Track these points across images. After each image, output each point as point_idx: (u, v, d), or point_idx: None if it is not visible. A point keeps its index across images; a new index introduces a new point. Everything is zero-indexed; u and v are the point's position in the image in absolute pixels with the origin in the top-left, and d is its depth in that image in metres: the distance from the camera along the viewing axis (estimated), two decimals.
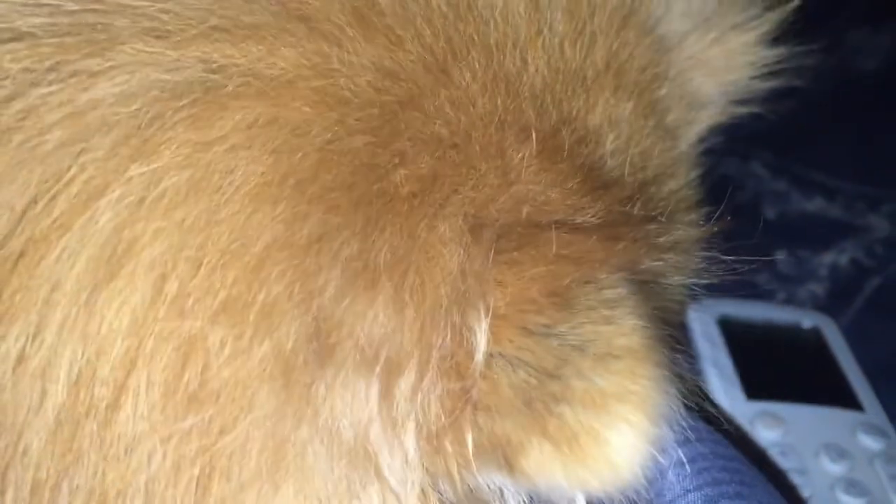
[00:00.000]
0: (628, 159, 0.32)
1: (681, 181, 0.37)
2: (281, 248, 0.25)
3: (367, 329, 0.25)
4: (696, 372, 0.58)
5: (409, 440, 0.25)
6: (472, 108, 0.28)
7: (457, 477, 0.26)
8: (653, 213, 0.32)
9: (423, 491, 0.26)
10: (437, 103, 0.28)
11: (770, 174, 0.76)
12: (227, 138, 0.25)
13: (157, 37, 0.26)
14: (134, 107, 0.25)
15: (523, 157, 0.28)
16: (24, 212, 0.25)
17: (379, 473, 0.25)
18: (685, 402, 0.37)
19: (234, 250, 0.25)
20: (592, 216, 0.28)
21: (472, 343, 0.25)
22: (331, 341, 0.25)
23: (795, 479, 0.50)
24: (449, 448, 0.26)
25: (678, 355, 0.28)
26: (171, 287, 0.25)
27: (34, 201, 0.25)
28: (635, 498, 0.35)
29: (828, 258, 0.69)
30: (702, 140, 0.40)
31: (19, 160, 0.25)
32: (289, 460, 0.25)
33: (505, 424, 0.25)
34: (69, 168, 0.25)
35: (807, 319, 0.62)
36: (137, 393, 0.25)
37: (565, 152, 0.29)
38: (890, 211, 0.73)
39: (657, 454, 0.26)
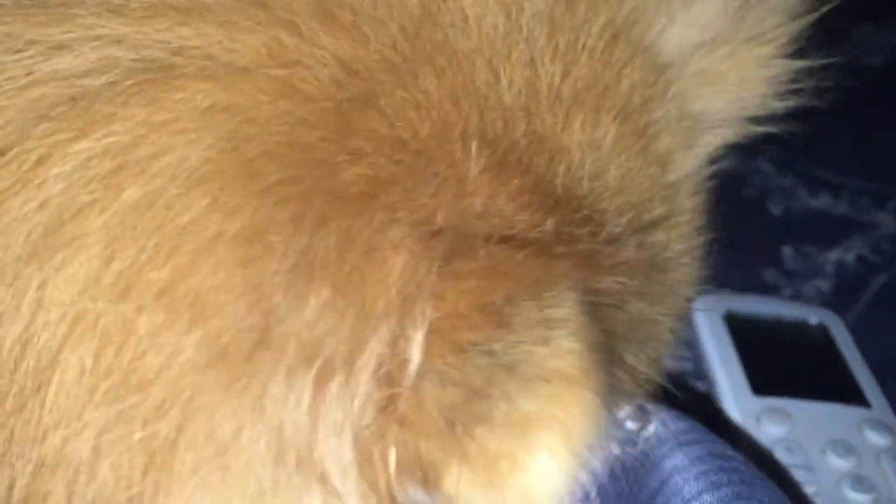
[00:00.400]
0: (605, 183, 0.31)
1: (672, 207, 0.35)
2: (224, 237, 0.24)
3: (306, 327, 0.24)
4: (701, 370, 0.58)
5: (347, 448, 0.24)
6: (436, 113, 0.27)
7: (383, 491, 0.25)
8: (614, 234, 0.30)
9: (363, 499, 0.25)
10: (398, 105, 0.27)
11: (776, 170, 0.76)
12: (179, 120, 0.25)
13: (115, 12, 0.25)
14: (85, 81, 0.25)
15: (481, 169, 0.27)
16: None
17: (321, 480, 0.24)
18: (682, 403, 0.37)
19: (176, 236, 0.24)
20: (541, 233, 0.27)
21: (406, 354, 0.24)
22: (271, 337, 0.24)
23: (801, 475, 0.50)
24: (376, 461, 0.25)
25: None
26: (111, 268, 0.24)
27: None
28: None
29: (834, 255, 0.69)
30: (712, 161, 0.38)
31: None
32: (226, 458, 0.24)
33: (428, 443, 0.24)
34: (13, 140, 0.25)
35: (813, 316, 0.62)
36: (65, 371, 0.24)
37: (523, 167, 0.28)
38: (895, 207, 0.73)
39: (577, 485, 0.25)
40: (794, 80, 0.36)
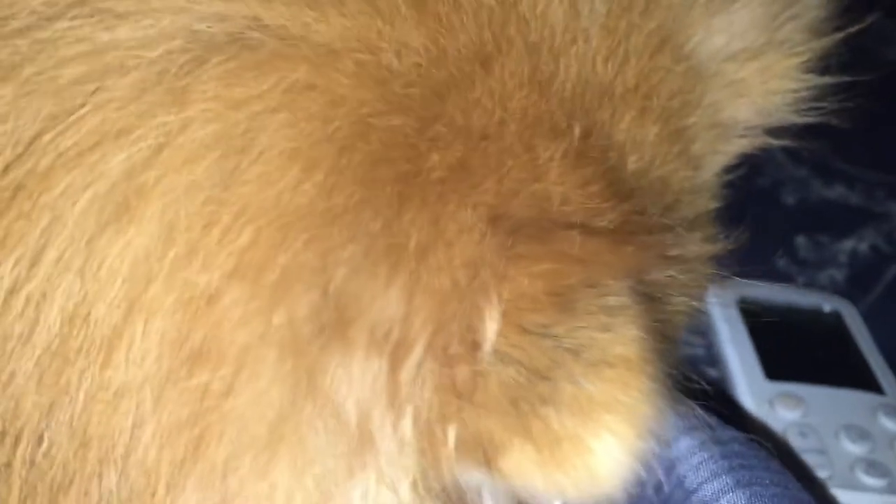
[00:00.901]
0: (649, 182, 0.32)
1: (698, 209, 0.36)
2: (305, 215, 0.24)
3: (380, 308, 0.24)
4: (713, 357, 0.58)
5: (407, 426, 0.25)
6: (509, 102, 0.28)
7: (442, 470, 0.25)
8: (668, 224, 0.31)
9: (414, 480, 0.25)
10: (476, 93, 0.27)
11: (790, 161, 0.75)
12: (262, 98, 0.25)
13: None
14: (158, 52, 0.25)
15: (551, 157, 0.28)
16: (29, 143, 0.24)
17: (376, 457, 0.25)
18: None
19: (255, 212, 0.24)
20: (608, 222, 0.28)
21: (475, 334, 0.25)
22: (344, 317, 0.24)
23: (815, 459, 0.49)
24: (437, 439, 0.25)
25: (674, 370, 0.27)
26: (182, 239, 0.24)
27: (40, 134, 0.25)
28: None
29: (847, 244, 0.68)
30: (728, 170, 0.39)
31: (29, 91, 0.25)
32: (288, 434, 0.24)
33: (489, 422, 0.25)
34: (82, 105, 0.25)
35: (827, 303, 0.61)
36: (133, 339, 0.24)
37: (592, 157, 0.29)
38: None
39: (639, 468, 0.25)
40: (816, 98, 0.37)
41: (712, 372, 0.58)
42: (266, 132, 0.25)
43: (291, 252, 0.24)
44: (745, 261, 0.66)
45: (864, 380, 0.55)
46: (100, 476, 0.25)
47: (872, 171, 0.75)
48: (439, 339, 0.24)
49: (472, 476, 0.26)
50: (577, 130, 0.29)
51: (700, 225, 0.36)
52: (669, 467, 0.35)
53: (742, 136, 0.38)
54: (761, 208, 0.71)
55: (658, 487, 0.35)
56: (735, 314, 0.59)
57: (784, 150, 0.76)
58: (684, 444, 0.35)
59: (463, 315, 0.24)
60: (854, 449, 0.50)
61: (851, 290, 0.65)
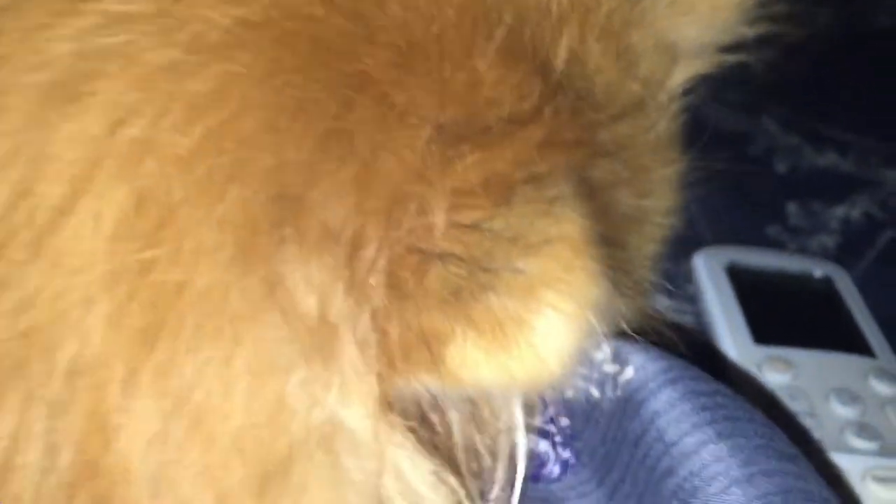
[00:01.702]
0: (590, 90, 0.32)
1: (651, 128, 0.36)
2: (257, 107, 0.24)
3: (333, 206, 0.24)
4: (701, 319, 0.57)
5: (366, 325, 0.24)
6: (447, 5, 0.27)
7: (395, 376, 0.25)
8: (605, 118, 0.31)
9: (374, 393, 0.25)
10: None
11: (782, 129, 0.74)
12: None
13: None
14: None
15: (491, 58, 0.27)
16: None
17: (339, 355, 0.24)
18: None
19: (205, 105, 0.24)
20: (544, 116, 0.27)
21: (421, 233, 0.24)
22: (298, 213, 0.24)
23: (805, 422, 0.48)
24: (388, 341, 0.25)
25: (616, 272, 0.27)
26: (132, 128, 0.24)
27: None
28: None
29: (840, 211, 0.67)
30: (686, 91, 0.38)
31: None
32: (244, 327, 0.24)
33: (431, 316, 0.24)
34: None
35: (818, 268, 0.60)
36: (85, 216, 0.24)
37: (527, 52, 0.28)
38: None
39: (587, 346, 0.25)
40: (763, 5, 0.36)
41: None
42: (213, 26, 0.25)
43: (243, 146, 0.24)
44: (736, 228, 0.66)
45: (855, 343, 0.54)
46: (48, 364, 0.24)
47: (865, 137, 0.74)
48: (387, 236, 0.24)
49: (424, 383, 0.26)
50: (512, 25, 0.28)
51: (657, 145, 0.35)
52: (650, 420, 0.34)
53: (695, 57, 0.37)
54: (752, 177, 0.70)
55: (637, 440, 0.34)
56: (723, 279, 0.58)
57: (775, 118, 0.76)
58: (665, 395, 0.34)
59: (408, 213, 0.24)
60: (844, 412, 0.49)
61: (843, 256, 0.64)
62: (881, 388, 0.51)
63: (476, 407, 0.29)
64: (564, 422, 0.39)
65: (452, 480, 0.27)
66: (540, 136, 0.26)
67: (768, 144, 0.73)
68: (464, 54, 0.27)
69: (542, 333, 0.24)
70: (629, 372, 0.35)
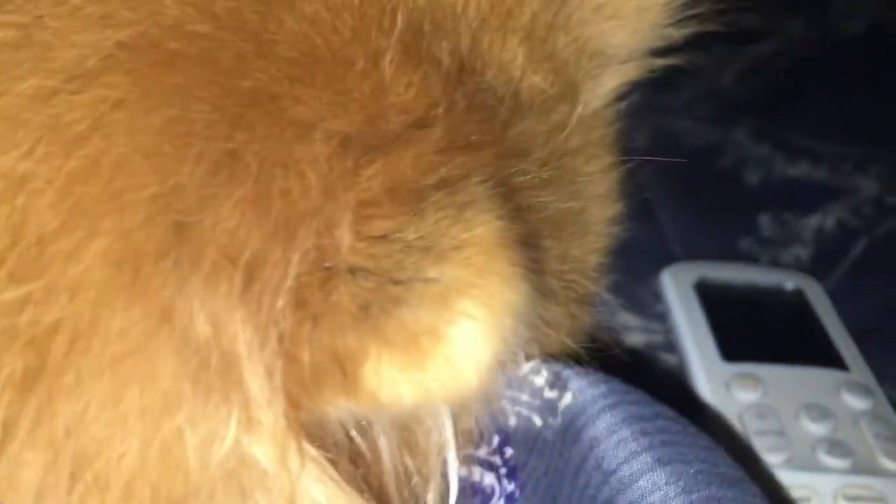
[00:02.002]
0: (517, 105, 0.31)
1: (588, 136, 0.35)
2: (138, 133, 0.23)
3: (224, 229, 0.23)
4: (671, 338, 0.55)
5: (267, 352, 0.23)
6: (348, 14, 0.26)
7: (310, 403, 0.24)
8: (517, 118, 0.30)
9: (286, 417, 0.23)
10: (312, 6, 0.26)
11: (752, 140, 0.73)
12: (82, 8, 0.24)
13: None
14: None
15: (393, 60, 0.26)
16: None
17: (241, 386, 0.23)
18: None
19: (81, 133, 0.23)
20: (448, 119, 0.26)
21: (327, 250, 0.23)
22: (186, 237, 0.23)
23: (774, 441, 0.47)
24: (296, 365, 0.23)
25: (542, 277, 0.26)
26: (2, 161, 0.23)
27: None
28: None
29: (813, 221, 0.66)
30: (620, 97, 0.38)
31: None
32: (131, 363, 0.23)
33: (342, 335, 0.23)
34: None
35: (789, 281, 0.59)
36: None
37: (434, 56, 0.28)
38: (878, 171, 0.70)
39: (506, 356, 0.24)
40: (689, 6, 0.35)
41: (671, 359, 0.56)
42: (89, 56, 0.24)
43: (121, 174, 0.23)
44: (708, 243, 0.64)
45: (827, 357, 0.53)
46: None
47: (838, 145, 0.72)
48: (288, 257, 0.23)
49: (344, 408, 0.25)
50: (417, 31, 0.27)
51: (586, 149, 0.34)
52: (589, 448, 0.32)
53: (625, 62, 0.36)
54: (723, 189, 0.69)
55: (577, 470, 0.33)
56: (691, 296, 0.56)
57: (745, 129, 0.74)
58: (603, 422, 0.32)
59: (310, 231, 0.23)
60: (815, 429, 0.48)
61: (818, 267, 0.62)
62: (854, 401, 0.49)
63: (405, 428, 0.28)
64: (509, 452, 0.37)
65: None
66: (443, 138, 0.25)
67: (738, 156, 0.72)
68: (366, 62, 0.26)
69: (457, 344, 0.23)
70: (568, 398, 0.34)
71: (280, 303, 0.23)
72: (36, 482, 0.23)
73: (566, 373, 0.34)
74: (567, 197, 0.33)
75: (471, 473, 0.37)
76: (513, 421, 0.36)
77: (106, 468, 0.23)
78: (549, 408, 0.35)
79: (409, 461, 0.28)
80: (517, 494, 0.36)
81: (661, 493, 0.30)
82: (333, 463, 0.25)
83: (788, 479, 0.45)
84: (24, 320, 0.23)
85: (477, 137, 0.26)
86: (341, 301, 0.23)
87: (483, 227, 0.24)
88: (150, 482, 0.23)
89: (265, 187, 0.23)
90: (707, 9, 0.34)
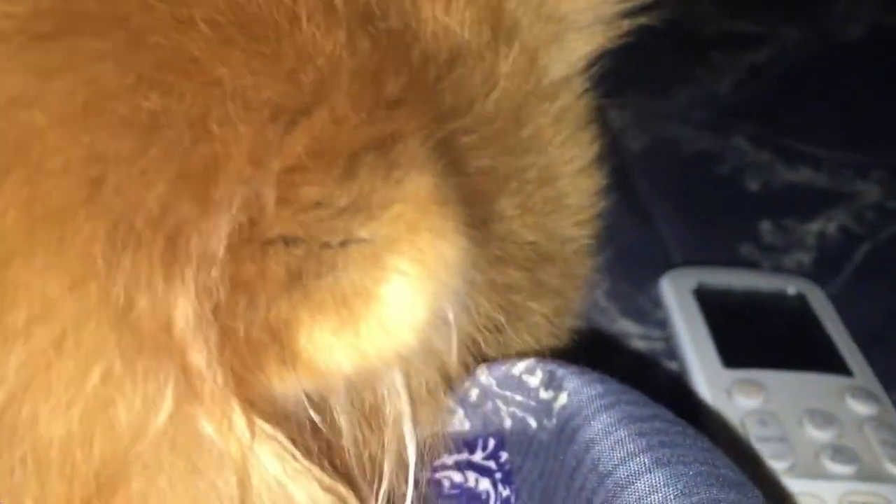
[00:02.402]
0: (465, 72, 0.30)
1: (547, 102, 0.34)
2: (56, 100, 0.22)
3: (150, 195, 0.22)
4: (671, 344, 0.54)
5: (208, 321, 0.22)
6: None
7: (255, 382, 0.23)
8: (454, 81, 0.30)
9: (230, 391, 0.23)
10: None
11: (752, 147, 0.72)
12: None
13: None
14: None
15: (314, 18, 0.25)
16: None
17: (179, 358, 0.22)
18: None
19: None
20: (380, 82, 0.26)
21: (258, 223, 0.23)
22: (111, 203, 0.22)
23: (777, 447, 0.45)
24: (232, 339, 0.23)
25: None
26: None
27: None
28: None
29: (815, 226, 0.65)
30: (589, 66, 0.37)
31: None
32: (63, 332, 0.22)
33: (276, 306, 0.23)
34: None
35: (791, 286, 0.58)
36: None
37: (351, 11, 0.27)
38: (880, 177, 0.69)
39: (441, 312, 0.23)
40: None
41: (672, 366, 0.55)
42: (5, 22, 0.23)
43: (38, 143, 0.22)
44: (709, 250, 0.63)
45: (830, 362, 0.51)
46: None
47: (839, 151, 0.71)
48: (218, 227, 0.22)
49: (290, 381, 0.24)
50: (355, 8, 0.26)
51: (555, 116, 0.34)
52: (584, 449, 0.31)
53: (587, 28, 0.35)
54: (723, 195, 0.68)
55: (572, 472, 0.32)
56: (691, 302, 0.55)
57: (744, 135, 0.74)
58: (600, 422, 0.31)
59: (237, 199, 0.22)
60: (819, 435, 0.46)
61: (820, 273, 0.61)
62: (858, 407, 0.48)
63: (361, 402, 0.27)
64: (504, 456, 0.36)
65: (341, 488, 0.25)
66: (370, 98, 0.24)
67: (738, 162, 0.71)
68: (289, 23, 0.25)
69: (389, 303, 0.23)
70: (563, 398, 0.33)
71: (213, 273, 0.22)
72: None
73: (561, 372, 0.33)
74: (523, 156, 0.32)
75: (466, 479, 0.36)
76: (508, 423, 0.35)
77: (38, 443, 0.22)
78: (543, 409, 0.34)
79: (368, 436, 0.28)
80: (513, 499, 0.35)
81: (660, 495, 0.29)
82: (292, 441, 0.25)
83: (792, 486, 0.44)
84: None
85: (408, 95, 0.26)
86: (273, 270, 0.23)
87: (414, 184, 0.24)
88: (84, 451, 0.22)
89: (188, 154, 0.22)
90: None
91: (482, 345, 0.31)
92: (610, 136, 0.40)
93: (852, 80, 0.78)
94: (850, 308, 0.56)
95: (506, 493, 0.36)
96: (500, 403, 0.35)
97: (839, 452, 0.45)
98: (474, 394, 0.35)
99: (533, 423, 0.34)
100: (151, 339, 0.22)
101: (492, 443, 0.36)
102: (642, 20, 0.35)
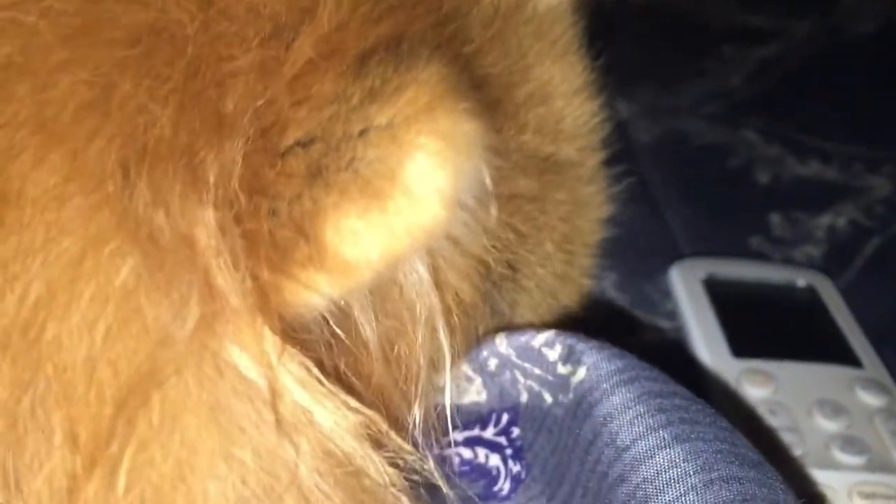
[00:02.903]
0: None
1: (539, 25, 0.35)
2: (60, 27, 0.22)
3: (163, 117, 0.22)
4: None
5: (231, 229, 0.22)
6: None
7: (283, 293, 0.23)
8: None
9: (255, 307, 0.23)
10: None
11: (762, 140, 0.72)
12: None
13: None
14: None
15: None
16: None
17: (205, 275, 0.22)
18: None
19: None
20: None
21: (273, 128, 0.23)
22: (122, 128, 0.22)
23: (787, 437, 0.45)
24: (257, 248, 0.23)
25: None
26: None
27: None
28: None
29: (825, 220, 0.64)
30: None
31: None
32: (85, 248, 0.22)
33: (300, 203, 0.23)
34: None
35: (801, 278, 0.57)
36: None
37: None
38: (890, 171, 0.69)
39: (465, 182, 0.24)
40: None
41: (680, 358, 0.54)
42: None
43: (58, 67, 0.22)
44: (718, 242, 0.63)
45: (840, 354, 0.51)
46: None
47: (849, 145, 0.71)
48: (233, 138, 0.22)
49: (314, 286, 0.23)
50: None
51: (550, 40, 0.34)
52: (602, 423, 0.31)
53: None
54: (732, 189, 0.68)
55: (588, 447, 0.31)
56: (700, 291, 0.55)
57: (755, 129, 0.73)
58: (618, 397, 0.31)
59: (252, 111, 0.22)
60: (829, 425, 0.46)
61: (830, 266, 0.61)
62: (868, 398, 0.48)
63: (386, 305, 0.27)
64: (516, 432, 0.35)
65: (368, 411, 0.25)
66: (370, 5, 0.25)
67: (748, 156, 0.70)
68: None
69: (414, 177, 0.23)
70: (581, 372, 0.32)
71: (232, 185, 0.22)
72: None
73: (581, 346, 0.33)
74: (522, 69, 0.32)
75: (476, 455, 0.36)
76: (524, 397, 0.35)
77: (64, 360, 0.22)
78: (560, 384, 0.33)
79: (396, 340, 0.28)
80: (523, 475, 0.35)
81: (679, 470, 0.29)
82: (318, 363, 0.24)
83: None
84: None
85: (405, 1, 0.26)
86: (293, 171, 0.23)
87: (426, 73, 0.24)
88: (111, 365, 0.22)
89: (193, 74, 0.23)
90: None
91: (494, 270, 0.31)
92: (619, 128, 0.40)
93: (863, 75, 0.77)
94: (860, 301, 0.56)
95: (516, 468, 0.35)
96: (518, 375, 0.34)
97: (849, 443, 0.45)
98: (493, 363, 0.34)
99: (548, 398, 0.34)
100: (173, 255, 0.22)
101: (505, 418, 0.36)
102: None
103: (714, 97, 0.77)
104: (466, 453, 0.36)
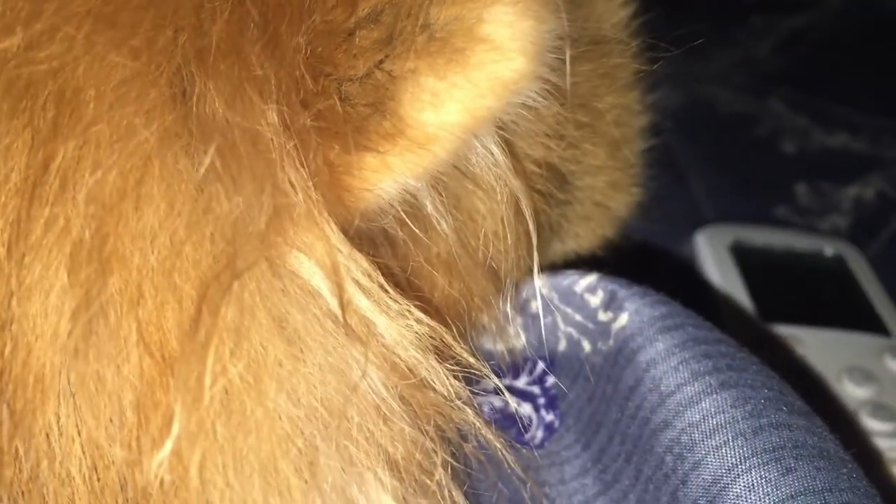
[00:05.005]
0: None
1: None
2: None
3: (213, 32, 0.21)
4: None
5: (300, 117, 0.21)
6: None
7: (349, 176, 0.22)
8: None
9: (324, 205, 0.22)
10: None
11: (789, 110, 0.71)
12: None
13: None
14: None
15: None
16: None
17: (272, 163, 0.21)
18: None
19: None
20: None
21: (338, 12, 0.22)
22: (196, 30, 0.21)
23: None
24: (331, 127, 0.22)
25: None
26: None
27: None
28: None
29: (852, 191, 0.64)
30: None
31: None
32: (150, 148, 0.21)
33: (373, 75, 0.22)
34: None
35: (829, 246, 0.56)
36: None
37: None
38: None
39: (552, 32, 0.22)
40: None
41: None
42: None
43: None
44: (743, 210, 0.62)
45: (869, 322, 0.50)
46: None
47: (878, 116, 0.70)
48: (295, 29, 0.21)
49: (389, 170, 0.23)
50: None
51: None
52: (644, 369, 0.30)
53: None
54: (759, 158, 0.67)
55: (629, 393, 0.30)
56: (726, 257, 0.54)
57: (782, 99, 0.72)
58: (662, 343, 0.30)
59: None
60: (858, 392, 0.45)
61: (856, 237, 0.60)
62: None
63: (460, 192, 0.26)
64: (550, 381, 0.35)
65: (433, 322, 0.24)
66: None
67: (775, 125, 0.69)
68: None
69: (496, 26, 0.21)
70: (623, 318, 0.31)
71: (298, 72, 0.21)
72: (58, 287, 0.21)
73: (623, 293, 0.32)
74: None
75: (507, 404, 0.35)
76: (563, 345, 0.34)
77: (134, 251, 0.21)
78: (600, 331, 0.32)
79: (477, 219, 0.27)
80: (556, 424, 0.34)
81: (727, 415, 0.28)
82: (386, 270, 0.24)
83: None
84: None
85: None
86: (363, 45, 0.22)
87: None
88: (183, 264, 0.21)
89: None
90: None
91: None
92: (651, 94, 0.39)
93: (892, 47, 0.76)
94: (887, 273, 0.55)
95: (549, 417, 0.34)
96: (558, 320, 0.33)
97: (879, 409, 0.44)
98: (534, 305, 0.33)
99: (587, 346, 0.33)
100: (242, 148, 0.21)
101: (539, 366, 0.35)
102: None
103: (742, 66, 0.75)
104: (496, 402, 0.35)
